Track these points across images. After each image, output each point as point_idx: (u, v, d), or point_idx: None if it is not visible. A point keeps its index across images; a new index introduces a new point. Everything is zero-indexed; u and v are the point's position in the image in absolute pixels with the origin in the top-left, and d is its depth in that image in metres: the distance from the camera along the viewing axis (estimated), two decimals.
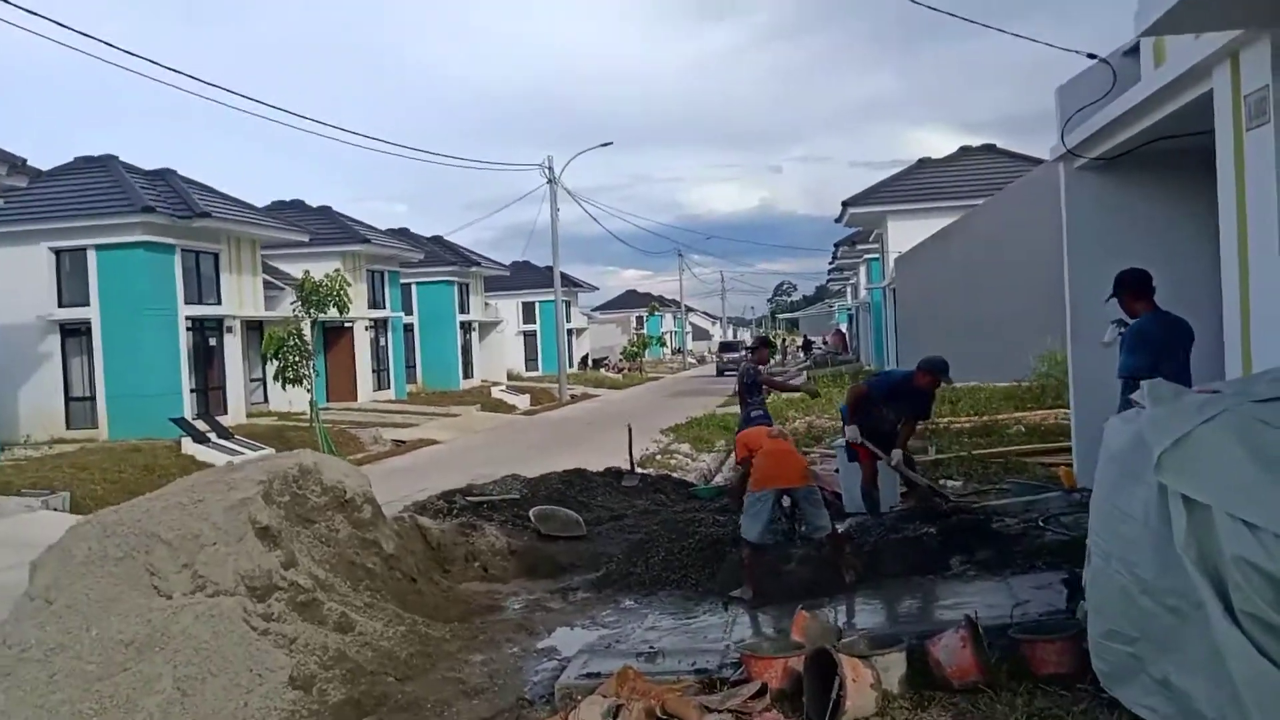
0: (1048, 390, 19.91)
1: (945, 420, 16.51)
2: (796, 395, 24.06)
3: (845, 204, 30.87)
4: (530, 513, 9.99)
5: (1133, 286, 7.01)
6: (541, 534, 9.62)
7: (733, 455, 16.12)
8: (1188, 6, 4.71)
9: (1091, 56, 8.90)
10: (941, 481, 11.31)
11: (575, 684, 5.44)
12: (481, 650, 6.55)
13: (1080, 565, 6.73)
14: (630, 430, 13.94)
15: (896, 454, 8.74)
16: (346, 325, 29.47)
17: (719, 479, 14.14)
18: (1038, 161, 29.12)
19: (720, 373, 50.01)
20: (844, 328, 61.22)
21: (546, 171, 37.54)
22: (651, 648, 5.96)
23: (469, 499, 11.05)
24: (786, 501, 7.53)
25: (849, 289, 56.48)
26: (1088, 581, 4.63)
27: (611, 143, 39.80)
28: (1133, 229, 8.85)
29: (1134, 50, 8.71)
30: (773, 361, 56.09)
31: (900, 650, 4.91)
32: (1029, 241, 24.35)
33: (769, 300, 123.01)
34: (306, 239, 27.50)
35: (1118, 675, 4.32)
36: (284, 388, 20.33)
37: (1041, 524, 8.35)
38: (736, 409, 23.51)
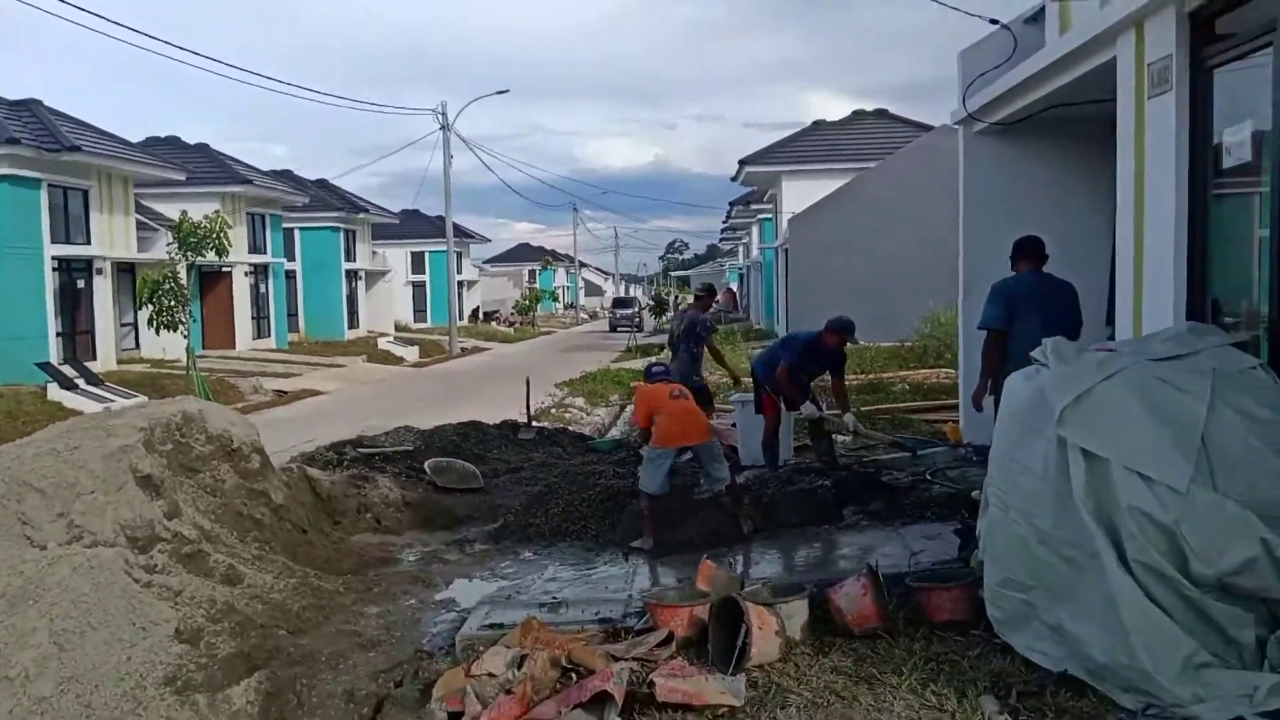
0: (929, 350, 20.56)
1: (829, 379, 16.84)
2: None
3: (742, 162, 31.06)
4: (425, 465, 9.79)
5: (1016, 250, 7.39)
6: (437, 486, 9.45)
7: (626, 409, 16.20)
8: None
9: (994, 22, 9.05)
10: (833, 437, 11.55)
11: (477, 635, 5.35)
12: (377, 602, 6.40)
13: (967, 516, 7.00)
14: (528, 383, 13.79)
15: (850, 417, 8.91)
16: (225, 270, 28.28)
17: (614, 432, 14.14)
18: (928, 128, 29.87)
19: (613, 328, 50.08)
20: (735, 287, 61.93)
21: (440, 117, 36.56)
22: (554, 598, 5.92)
23: (360, 450, 10.77)
24: (686, 455, 7.56)
25: (741, 248, 57.09)
26: (984, 532, 4.75)
27: (508, 90, 39.26)
28: (1028, 193, 9.10)
29: (1035, 17, 8.90)
30: (664, 318, 56.50)
31: (803, 598, 4.98)
32: (916, 206, 25.02)
33: (661, 258, 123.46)
34: (183, 177, 26.21)
35: (1012, 622, 4.46)
36: (158, 333, 19.39)
37: (929, 477, 8.62)
38: (631, 364, 23.55)
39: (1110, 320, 8.97)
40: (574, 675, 4.67)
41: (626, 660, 4.65)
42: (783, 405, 9.19)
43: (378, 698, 4.95)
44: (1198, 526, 3.82)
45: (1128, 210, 5.79)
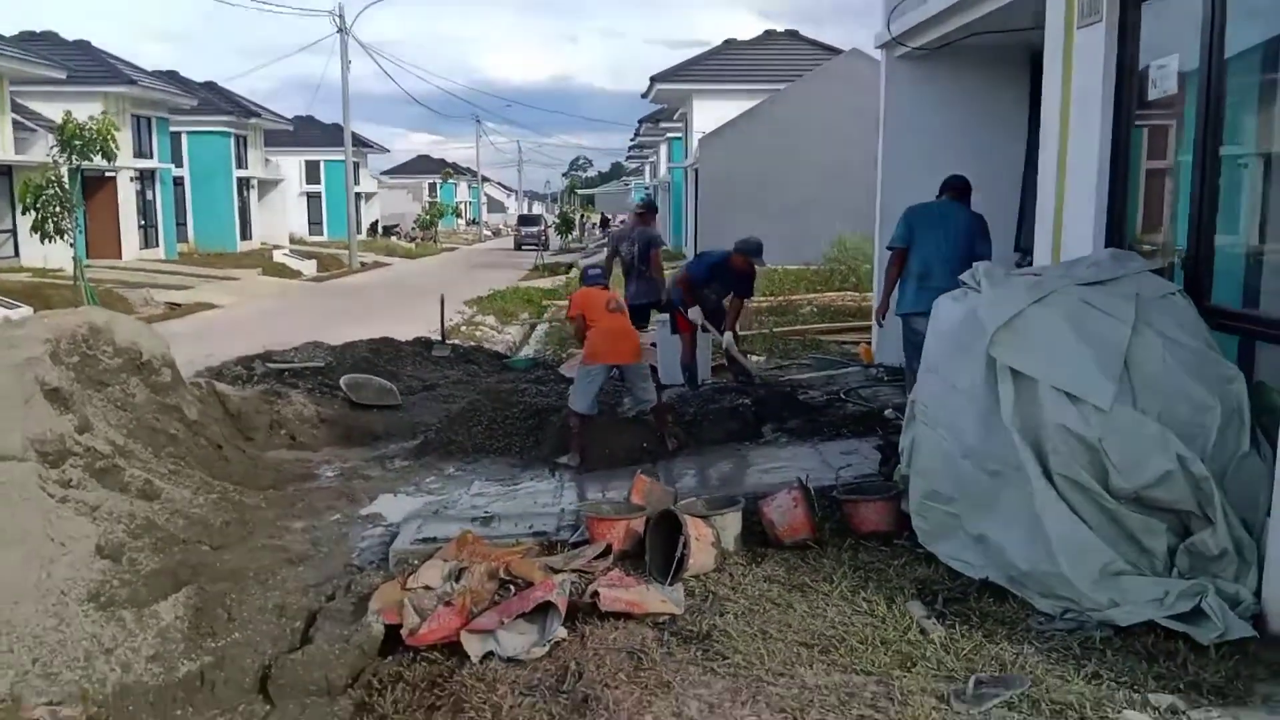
0: (836, 273, 20.93)
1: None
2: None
3: (653, 79, 30.67)
4: (341, 381, 9.60)
5: (942, 185, 7.71)
6: (353, 403, 9.28)
7: (538, 328, 16.14)
8: None
9: None
10: (750, 356, 11.74)
11: (411, 549, 5.34)
12: (301, 517, 6.31)
13: (881, 433, 7.25)
14: (443, 300, 13.58)
15: (728, 336, 8.96)
16: (109, 175, 26.88)
17: (528, 350, 14.07)
18: (837, 51, 29.91)
19: (519, 246, 49.41)
20: None
21: (337, 20, 35.06)
22: (485, 513, 5.93)
23: (270, 365, 10.49)
24: (615, 374, 7.58)
25: (648, 167, 56.68)
26: (911, 447, 4.93)
27: None
28: (946, 118, 9.25)
29: None
30: (569, 238, 56.02)
31: (737, 510, 5.10)
32: (826, 130, 25.21)
33: (564, 175, 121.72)
34: (63, 76, 24.62)
35: (936, 533, 4.67)
36: (42, 241, 18.36)
37: (843, 396, 8.87)
38: (539, 282, 23.35)
39: (1019, 246, 9.29)
40: (512, 588, 4.71)
41: (565, 572, 4.72)
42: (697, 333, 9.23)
43: (310, 611, 4.91)
44: (1119, 443, 4.03)
45: (1052, 138, 5.94)
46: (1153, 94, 5.22)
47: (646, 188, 57.34)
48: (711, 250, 9.89)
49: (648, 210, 10.90)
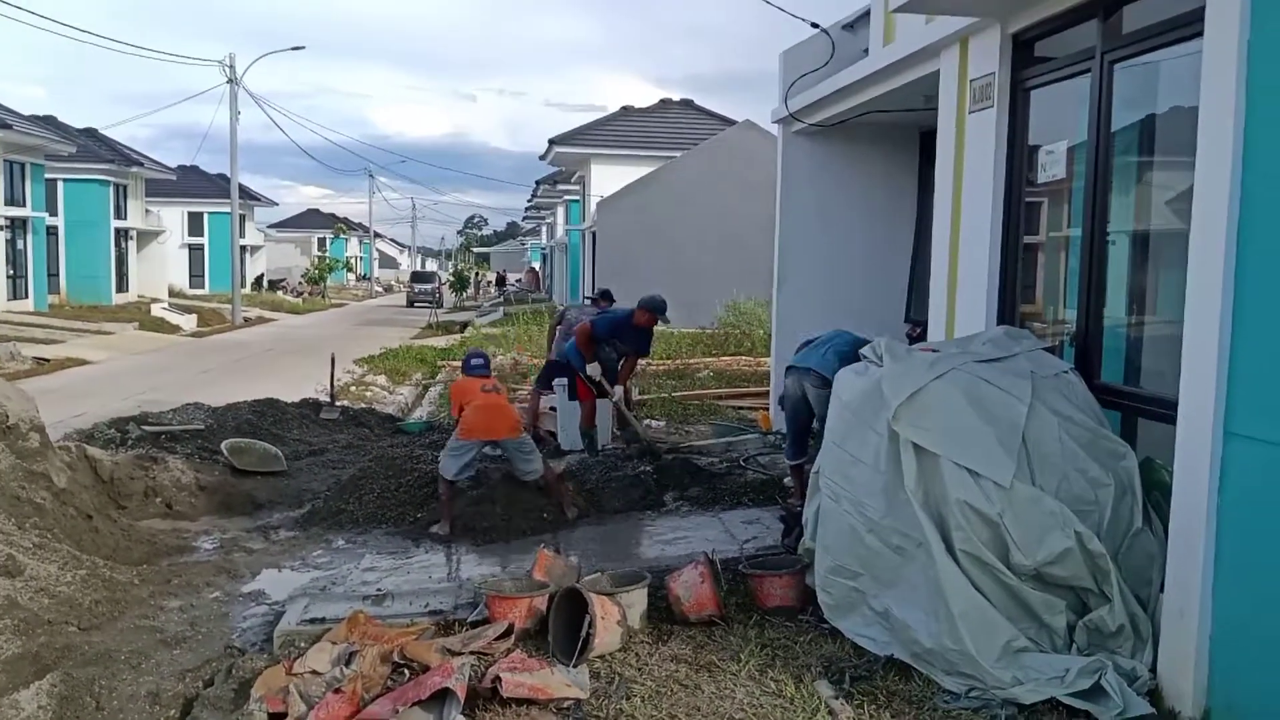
0: (731, 337, 21.21)
1: (644, 362, 17.09)
2: (496, 331, 23.97)
3: (552, 142, 30.89)
4: (222, 445, 9.15)
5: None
6: (235, 469, 8.85)
7: (431, 389, 15.81)
8: None
9: (815, 26, 9.37)
10: (646, 422, 11.71)
11: (297, 630, 5.05)
12: (177, 595, 5.93)
13: (781, 502, 7.27)
14: (333, 359, 13.18)
15: (618, 390, 8.97)
16: None
17: (420, 413, 13.74)
18: (731, 121, 30.72)
19: (411, 304, 48.67)
20: (537, 266, 61.68)
21: (227, 70, 34.29)
22: (377, 590, 5.67)
23: (145, 428, 9.94)
24: (497, 451, 7.47)
25: (545, 228, 56.85)
26: (818, 520, 4.92)
27: (304, 47, 36.81)
28: (839, 191, 9.52)
29: (852, 25, 9.29)
30: (464, 295, 55.47)
31: (643, 587, 5.00)
32: (719, 197, 25.79)
33: (460, 232, 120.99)
34: None
35: (841, 607, 4.65)
36: None
37: (743, 464, 8.89)
38: (433, 341, 23.07)
39: (909, 317, 9.56)
40: (407, 671, 4.50)
41: (464, 655, 4.52)
42: (598, 390, 9.21)
43: (185, 699, 4.60)
44: (1018, 519, 4.10)
45: (945, 216, 6.14)
46: (1042, 178, 5.45)
47: (543, 248, 57.48)
48: (616, 309, 9.93)
49: (604, 299, 11.77)
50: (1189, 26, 4.20)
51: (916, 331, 8.71)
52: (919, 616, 4.27)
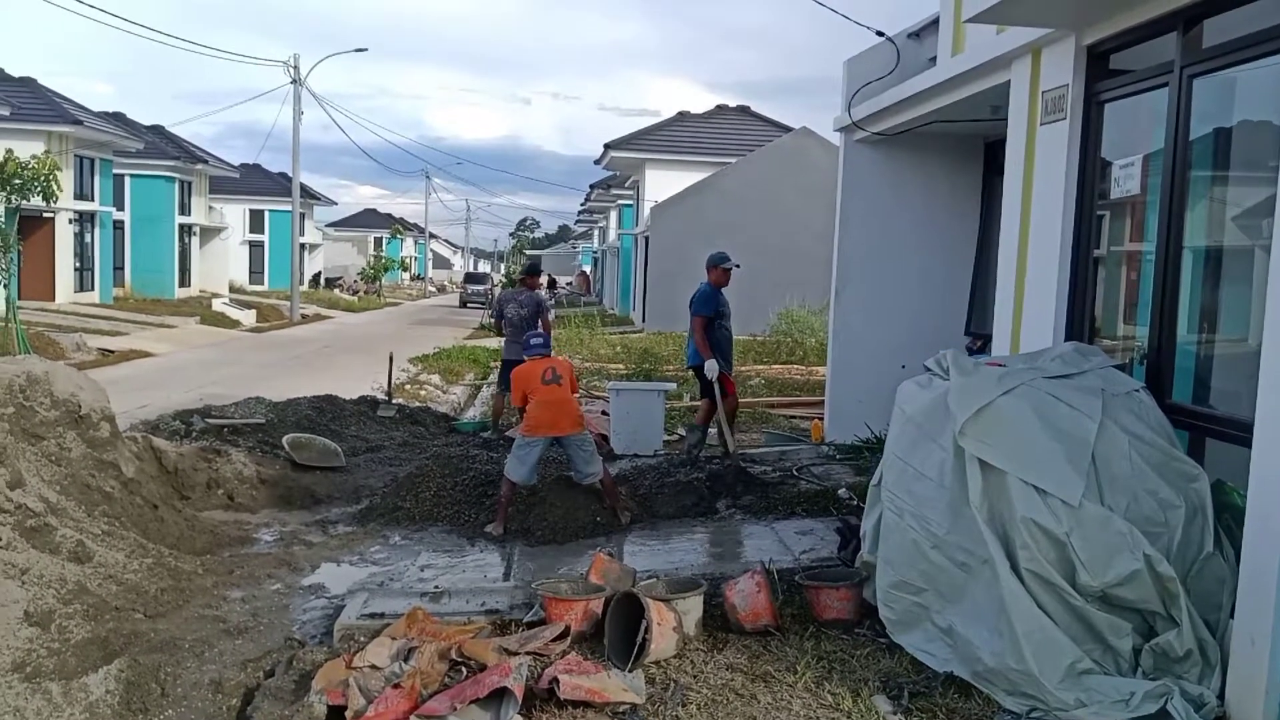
0: (783, 346, 21.11)
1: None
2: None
3: (607, 146, 31.01)
4: (284, 440, 9.31)
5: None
6: (295, 463, 9.01)
7: (485, 389, 15.93)
8: (1010, 4, 4.99)
9: (880, 34, 9.31)
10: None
11: (357, 624, 5.13)
12: (239, 586, 6.04)
13: (836, 513, 7.22)
14: (391, 358, 13.36)
15: (712, 364, 8.62)
16: (47, 216, 26.19)
17: (473, 412, 13.87)
18: (788, 128, 30.59)
19: (464, 304, 49.10)
20: (588, 269, 61.90)
21: (291, 71, 34.90)
22: (435, 587, 5.73)
23: (209, 421, 10.16)
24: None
25: (597, 232, 57.03)
26: (880, 535, 4.88)
27: (366, 49, 37.36)
28: (901, 201, 9.44)
29: (918, 33, 9.21)
30: (541, 293, 55.67)
31: (699, 594, 5.00)
32: (774, 204, 25.70)
33: (511, 234, 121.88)
34: (7, 113, 24.10)
35: (904, 622, 4.61)
36: None
37: (796, 473, 8.83)
38: (485, 341, 23.12)
39: (969, 330, 9.44)
40: (464, 669, 4.54)
41: (521, 655, 4.55)
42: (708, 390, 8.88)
43: (247, 688, 4.70)
44: (1087, 539, 4.03)
45: (1013, 229, 6.06)
46: (1116, 192, 5.36)
47: (594, 252, 57.64)
48: (696, 292, 9.37)
49: (532, 274, 11.71)
50: (1272, 41, 4.11)
51: (978, 345, 8.60)
52: (983, 634, 4.21)
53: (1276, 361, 3.73)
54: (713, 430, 9.17)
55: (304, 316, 35.50)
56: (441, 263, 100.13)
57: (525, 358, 7.67)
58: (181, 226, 37.23)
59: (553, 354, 8.39)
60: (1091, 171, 5.44)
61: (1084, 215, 5.47)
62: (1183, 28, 4.69)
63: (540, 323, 10.81)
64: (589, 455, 7.27)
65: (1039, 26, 5.49)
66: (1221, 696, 3.92)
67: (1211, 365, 5.11)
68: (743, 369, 17.61)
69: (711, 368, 8.62)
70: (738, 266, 9.00)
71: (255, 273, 51.56)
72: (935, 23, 8.25)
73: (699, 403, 9.16)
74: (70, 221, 28.30)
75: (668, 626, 4.63)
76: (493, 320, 11.80)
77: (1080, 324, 5.51)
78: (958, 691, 4.22)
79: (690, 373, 9.49)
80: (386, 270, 58.25)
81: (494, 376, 15.62)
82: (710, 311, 8.77)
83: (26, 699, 4.22)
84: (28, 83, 28.99)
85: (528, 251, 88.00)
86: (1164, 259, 4.82)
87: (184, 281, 37.39)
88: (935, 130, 8.79)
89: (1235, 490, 4.31)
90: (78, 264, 29.47)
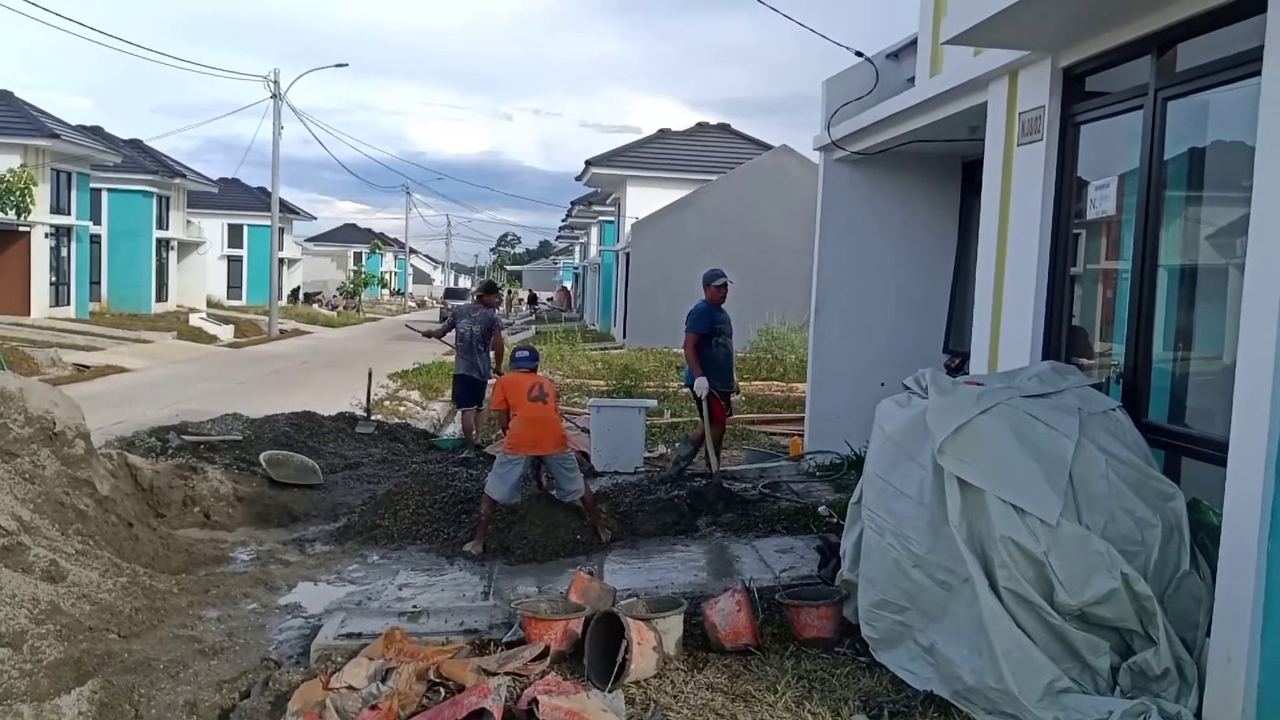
0: (763, 362, 21.17)
1: (675, 385, 17.10)
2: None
3: (589, 163, 31.08)
4: (260, 457, 9.23)
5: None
6: (273, 481, 8.93)
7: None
8: (988, 27, 5.04)
9: (859, 55, 9.39)
10: (678, 444, 11.68)
11: (334, 644, 5.08)
12: (215, 605, 5.98)
13: (816, 531, 7.23)
14: (370, 374, 13.30)
15: (702, 384, 8.52)
16: (23, 230, 25.96)
17: (453, 429, 13.81)
18: (767, 146, 30.78)
19: (444, 319, 48.98)
20: (569, 285, 61.90)
21: (271, 85, 34.82)
22: (413, 606, 5.69)
23: (185, 438, 10.06)
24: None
25: (578, 248, 57.08)
26: (861, 553, 4.89)
27: (347, 64, 37.34)
28: (879, 220, 9.49)
29: (896, 54, 9.30)
30: (496, 312, 55.76)
31: (680, 613, 4.98)
32: (754, 221, 25.82)
33: (492, 250, 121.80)
34: None
35: (886, 641, 4.61)
36: None
37: (776, 491, 8.83)
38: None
39: (947, 348, 9.49)
40: (442, 690, 4.51)
41: (500, 675, 4.53)
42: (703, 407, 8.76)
43: (222, 709, 4.65)
44: (1064, 558, 4.05)
45: (990, 248, 6.11)
46: (1092, 214, 5.41)
47: (575, 268, 57.66)
48: (693, 308, 9.30)
49: (488, 292, 12.02)
50: (1245, 65, 4.17)
51: (955, 363, 8.64)
52: (963, 653, 4.22)
53: (1251, 379, 3.77)
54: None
55: (282, 332, 35.30)
56: (422, 278, 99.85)
57: (513, 369, 7.62)
58: (159, 241, 37.02)
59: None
60: (1068, 191, 5.50)
61: (1060, 235, 5.52)
62: (1157, 51, 4.76)
63: (491, 340, 11.12)
64: (571, 474, 7.25)
65: (1016, 49, 5.56)
66: (1199, 715, 3.94)
67: (1187, 384, 5.16)
68: None
69: (701, 385, 8.55)
70: (731, 283, 8.96)
71: (234, 288, 51.27)
72: (914, 44, 8.33)
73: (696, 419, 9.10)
74: (46, 236, 28.07)
75: (648, 646, 4.62)
76: (440, 326, 12.40)
77: (1058, 343, 5.55)
78: (938, 711, 4.23)
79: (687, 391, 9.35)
80: (366, 285, 58.06)
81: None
82: (704, 329, 8.75)
83: None
84: (4, 96, 28.80)
85: (508, 267, 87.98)
86: (1139, 279, 4.87)
87: (161, 296, 37.14)
88: (914, 150, 8.86)
89: (1211, 509, 4.34)
90: (53, 278, 29.24)
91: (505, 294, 62.15)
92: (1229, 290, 4.73)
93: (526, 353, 7.78)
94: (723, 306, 8.92)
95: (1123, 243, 5.19)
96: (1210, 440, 4.40)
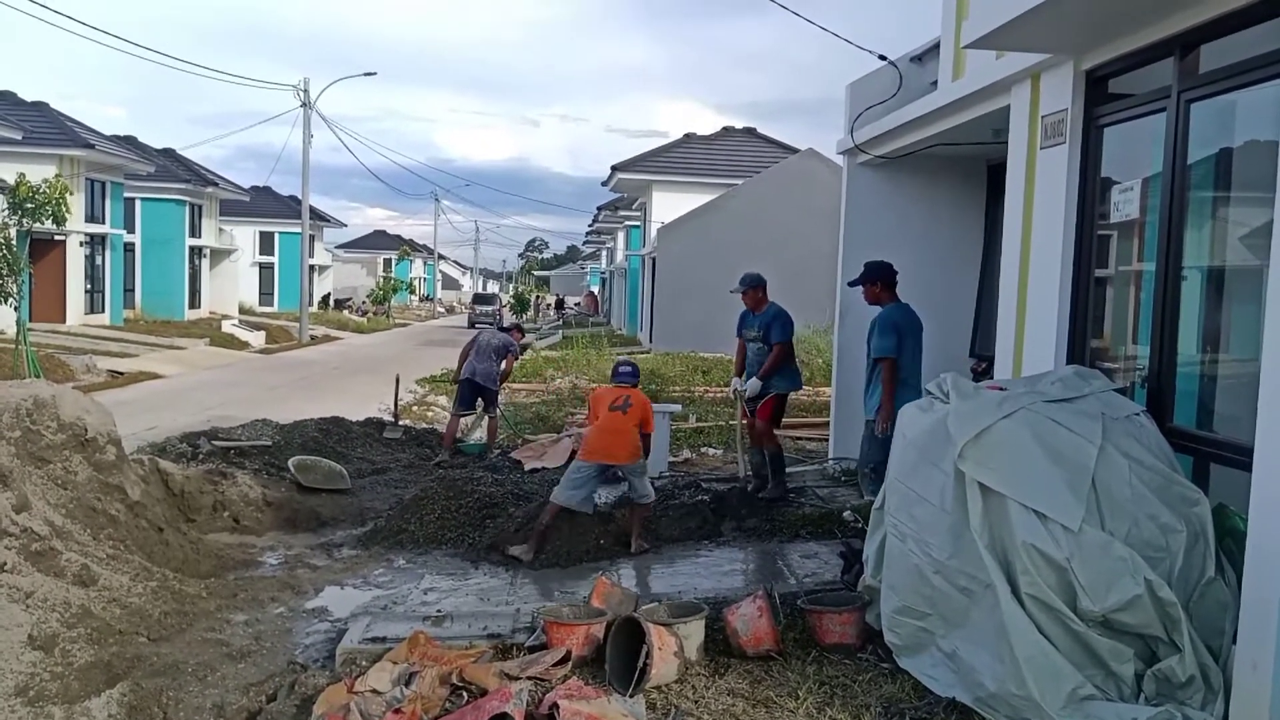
0: None
1: (701, 389, 17.11)
2: (555, 354, 24.12)
3: (615, 168, 31.15)
4: (289, 462, 9.34)
5: (883, 276, 7.65)
6: (301, 485, 9.03)
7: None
8: (1009, 30, 5.02)
9: (883, 59, 9.36)
10: (704, 449, 11.70)
11: (359, 649, 5.13)
12: (243, 609, 6.06)
13: (840, 536, 7.20)
14: (398, 380, 13.41)
15: (753, 383, 8.43)
16: (58, 238, 26.40)
17: (480, 433, 13.88)
18: (793, 150, 30.70)
19: (472, 324, 49.25)
20: (596, 290, 62.05)
21: (301, 94, 35.22)
22: (438, 611, 5.73)
23: (215, 443, 10.20)
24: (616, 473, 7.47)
25: (605, 253, 57.21)
26: (884, 560, 4.87)
27: (375, 73, 38.10)
28: (903, 223, 9.45)
29: (920, 57, 9.26)
30: (524, 317, 56.04)
31: (701, 618, 4.99)
32: (780, 225, 25.76)
33: (520, 255, 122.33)
34: (19, 136, 24.29)
35: (909, 647, 4.60)
36: None
37: (801, 496, 8.81)
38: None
39: (973, 352, 9.43)
40: (465, 694, 4.54)
41: (522, 680, 4.56)
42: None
43: (249, 712, 4.70)
44: (1087, 564, 4.02)
45: (1014, 252, 6.07)
46: (1115, 216, 5.37)
47: (602, 272, 57.77)
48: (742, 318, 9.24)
49: (518, 330, 12.80)
50: (1268, 67, 4.14)
51: (981, 367, 8.59)
52: (985, 659, 4.20)
53: (1275, 382, 3.72)
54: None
55: (313, 338, 35.63)
56: (450, 283, 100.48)
57: (614, 384, 7.56)
58: (192, 249, 37.48)
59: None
60: (1091, 194, 5.46)
61: (1084, 238, 5.48)
62: (1179, 53, 4.72)
63: (504, 362, 11.64)
64: (643, 480, 7.27)
65: (1037, 52, 5.53)
66: None
67: (1215, 389, 5.11)
68: None
69: (752, 386, 8.38)
70: (735, 290, 8.92)
71: (265, 294, 51.84)
72: (936, 47, 8.29)
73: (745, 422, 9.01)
74: (81, 244, 28.52)
75: (668, 651, 4.63)
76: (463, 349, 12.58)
77: (1082, 347, 5.51)
78: (960, 717, 4.21)
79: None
80: (395, 291, 58.49)
81: (502, 399, 15.66)
82: (738, 324, 8.86)
83: None
84: (40, 107, 29.29)
85: (535, 272, 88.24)
86: (1163, 282, 4.83)
87: (194, 303, 37.60)
88: (938, 153, 8.82)
89: (1237, 514, 4.29)
90: (88, 286, 29.69)
91: (533, 299, 62.40)
92: (1254, 293, 4.68)
93: (629, 368, 7.63)
94: (752, 310, 8.89)
95: (1147, 245, 5.14)
96: (1237, 445, 4.35)
